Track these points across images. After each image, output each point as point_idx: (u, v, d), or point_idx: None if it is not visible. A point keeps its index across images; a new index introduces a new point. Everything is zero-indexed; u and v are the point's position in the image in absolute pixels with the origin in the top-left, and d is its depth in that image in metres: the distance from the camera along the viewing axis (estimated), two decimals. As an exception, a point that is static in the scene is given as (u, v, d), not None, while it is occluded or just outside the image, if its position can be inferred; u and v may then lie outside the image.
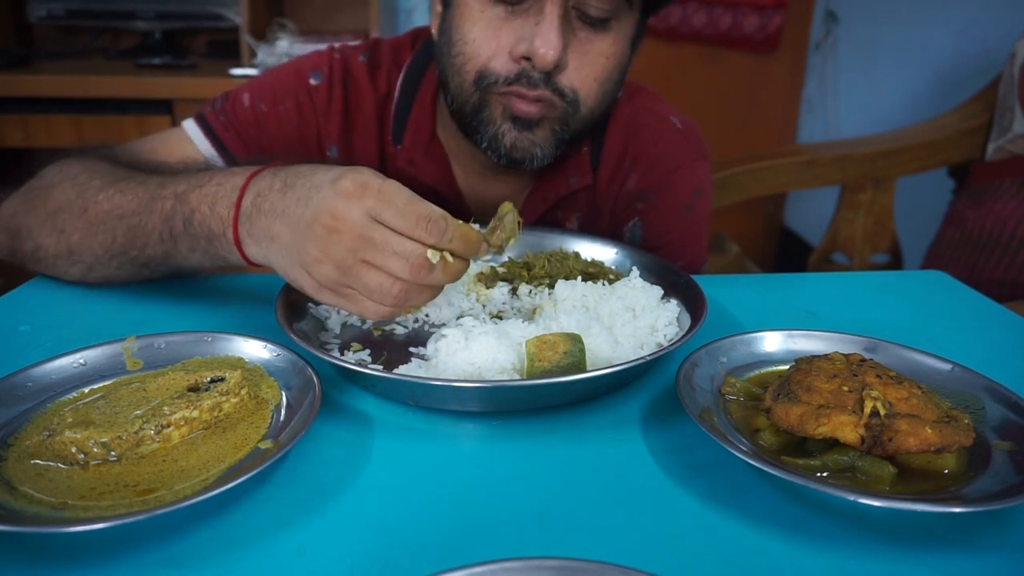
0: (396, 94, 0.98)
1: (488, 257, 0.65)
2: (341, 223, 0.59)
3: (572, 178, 0.99)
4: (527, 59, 0.80)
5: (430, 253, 0.60)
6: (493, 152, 0.87)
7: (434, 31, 0.92)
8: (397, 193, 0.60)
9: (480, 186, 1.00)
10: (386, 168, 1.00)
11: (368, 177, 0.60)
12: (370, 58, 1.00)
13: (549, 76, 0.81)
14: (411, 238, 0.60)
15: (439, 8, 0.90)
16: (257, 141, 0.96)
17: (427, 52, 0.99)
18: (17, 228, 0.81)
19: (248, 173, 0.67)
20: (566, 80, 0.83)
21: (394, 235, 0.59)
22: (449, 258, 0.62)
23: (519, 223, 0.68)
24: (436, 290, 0.65)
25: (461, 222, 0.62)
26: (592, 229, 1.00)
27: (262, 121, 0.96)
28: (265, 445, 0.53)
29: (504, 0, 0.80)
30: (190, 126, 0.96)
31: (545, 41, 0.78)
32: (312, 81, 0.98)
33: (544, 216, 1.01)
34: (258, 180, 0.66)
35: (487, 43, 0.82)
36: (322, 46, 1.02)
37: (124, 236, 0.73)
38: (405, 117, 0.98)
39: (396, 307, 0.63)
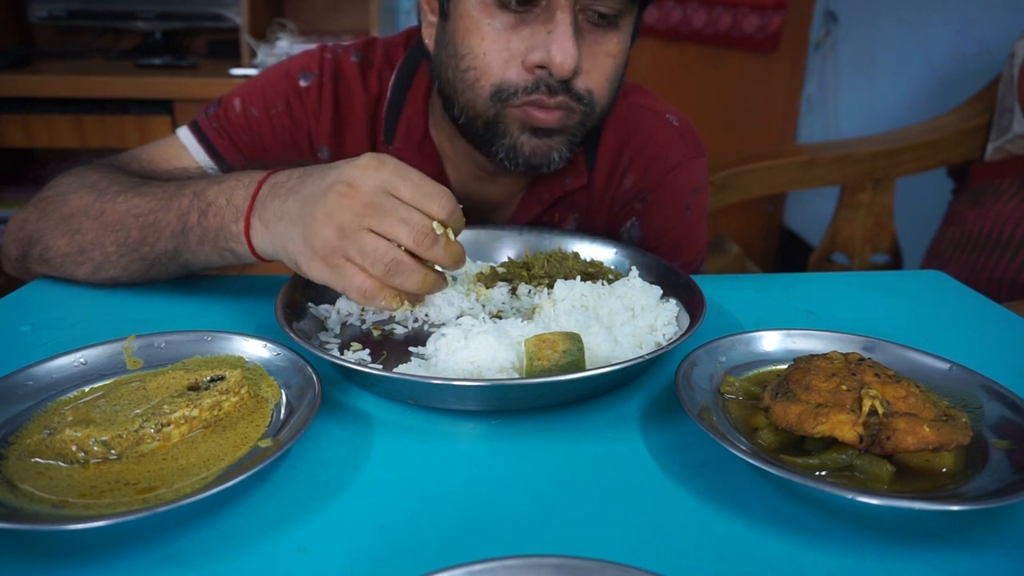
0: (388, 93, 0.98)
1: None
2: (355, 189, 0.63)
3: (568, 178, 0.99)
4: (542, 67, 0.79)
5: (435, 225, 0.63)
6: (511, 162, 0.85)
7: (428, 41, 0.90)
8: (412, 170, 0.65)
9: (473, 186, 0.99)
10: None
11: (386, 156, 0.65)
12: (362, 58, 1.00)
13: (567, 82, 0.80)
14: (421, 210, 0.64)
15: (432, 19, 0.88)
16: (251, 146, 0.96)
17: (420, 51, 0.97)
18: (28, 235, 0.82)
19: (269, 171, 0.72)
20: (582, 84, 0.82)
21: (404, 205, 0.63)
22: (451, 236, 0.64)
23: None
24: (425, 278, 0.66)
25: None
26: (589, 229, 1.00)
27: (255, 126, 0.96)
28: (265, 444, 0.53)
29: (511, 8, 0.78)
30: (184, 134, 0.96)
31: (562, 50, 0.76)
32: (302, 83, 0.97)
33: (540, 217, 1.01)
34: (277, 174, 0.71)
35: (498, 55, 0.80)
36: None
37: (138, 232, 0.75)
38: (397, 117, 0.97)
39: (385, 277, 0.64)
